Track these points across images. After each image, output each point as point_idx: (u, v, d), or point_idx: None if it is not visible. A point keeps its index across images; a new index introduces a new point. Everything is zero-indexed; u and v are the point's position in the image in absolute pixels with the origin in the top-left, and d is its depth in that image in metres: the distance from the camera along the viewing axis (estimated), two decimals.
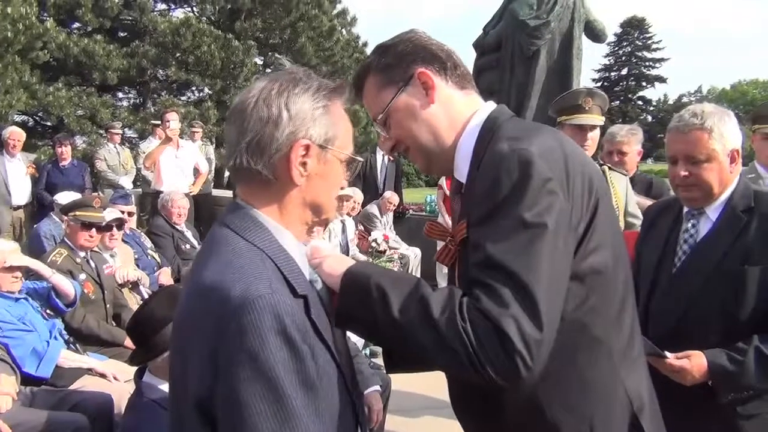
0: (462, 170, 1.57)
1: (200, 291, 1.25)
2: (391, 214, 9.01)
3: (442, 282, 5.36)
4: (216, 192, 9.93)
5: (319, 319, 1.28)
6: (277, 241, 1.32)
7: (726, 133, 2.26)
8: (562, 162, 1.40)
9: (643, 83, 72.56)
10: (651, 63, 72.45)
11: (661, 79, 72.43)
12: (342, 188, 1.48)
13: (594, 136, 3.67)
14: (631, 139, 4.48)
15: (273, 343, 1.15)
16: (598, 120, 3.67)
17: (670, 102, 74.30)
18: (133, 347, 4.34)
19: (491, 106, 1.62)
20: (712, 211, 2.33)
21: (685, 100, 73.31)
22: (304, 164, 1.33)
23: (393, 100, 1.57)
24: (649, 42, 72.66)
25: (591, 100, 3.64)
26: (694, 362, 2.18)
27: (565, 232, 1.36)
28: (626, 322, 1.53)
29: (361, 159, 1.47)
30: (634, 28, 71.88)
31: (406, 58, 1.58)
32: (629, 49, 72.64)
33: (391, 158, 9.79)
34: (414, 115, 1.57)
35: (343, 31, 20.82)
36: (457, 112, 1.59)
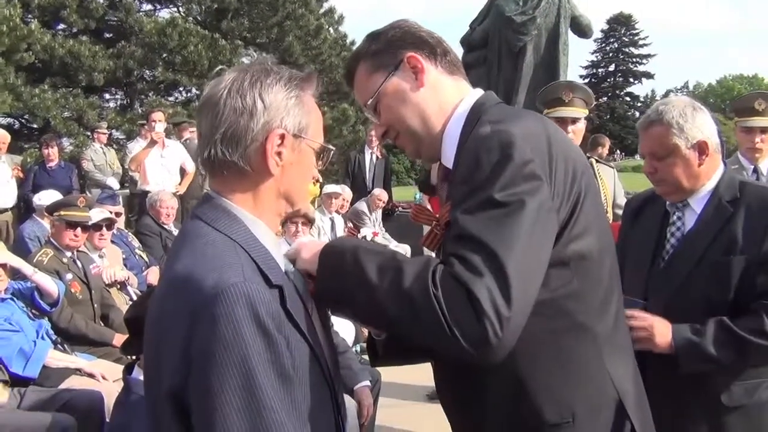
0: (449, 156, 1.57)
1: (174, 282, 1.24)
2: (380, 212, 9.03)
3: None
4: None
5: (295, 310, 1.27)
6: (250, 232, 1.32)
7: (688, 127, 2.25)
8: (545, 145, 1.40)
9: (631, 79, 73.01)
10: (638, 59, 72.92)
11: (648, 75, 72.92)
12: (314, 178, 1.48)
13: (576, 129, 3.68)
14: None
15: (246, 332, 1.14)
16: (580, 113, 3.68)
17: (658, 98, 74.47)
18: (118, 345, 4.37)
19: (479, 92, 1.63)
20: (696, 203, 2.33)
21: (672, 95, 73.70)
22: (279, 154, 1.33)
23: (383, 84, 1.58)
24: (636, 38, 73.12)
25: (571, 92, 3.65)
26: (658, 328, 2.18)
27: (544, 215, 1.35)
28: (612, 309, 1.53)
29: (333, 148, 1.46)
30: (621, 24, 72.31)
31: (396, 44, 1.59)
32: (616, 46, 73.08)
33: (380, 155, 9.82)
34: (403, 99, 1.58)
35: (330, 29, 20.76)
36: (446, 97, 1.60)
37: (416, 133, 1.60)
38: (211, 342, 1.13)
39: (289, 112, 1.33)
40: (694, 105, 2.30)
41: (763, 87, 66.17)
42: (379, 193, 8.94)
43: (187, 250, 1.27)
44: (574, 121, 3.67)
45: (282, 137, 1.32)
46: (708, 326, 2.15)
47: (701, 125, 2.27)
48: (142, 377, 2.46)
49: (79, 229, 4.58)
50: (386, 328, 1.44)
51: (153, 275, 5.78)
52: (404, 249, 8.69)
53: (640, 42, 72.85)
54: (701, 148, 2.26)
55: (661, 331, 2.18)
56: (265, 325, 1.16)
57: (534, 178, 1.35)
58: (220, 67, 1.38)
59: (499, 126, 1.40)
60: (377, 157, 9.79)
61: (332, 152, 1.46)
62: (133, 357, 2.64)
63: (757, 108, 3.93)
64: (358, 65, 1.64)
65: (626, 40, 72.85)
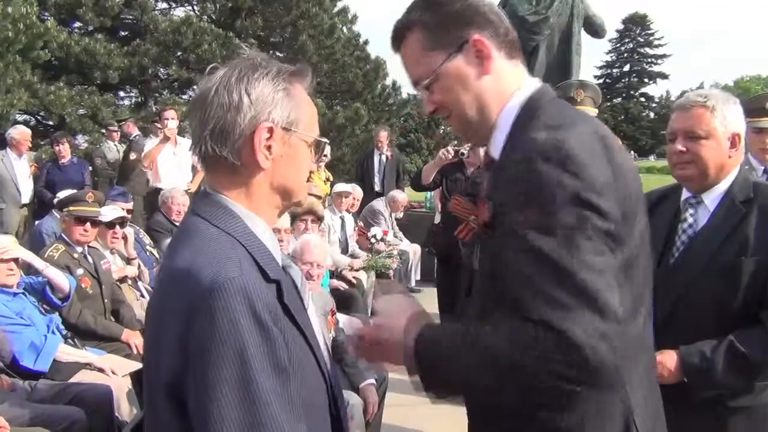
0: (497, 147, 1.49)
1: (172, 276, 1.26)
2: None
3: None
4: None
5: (292, 304, 1.28)
6: (247, 227, 1.33)
7: (729, 116, 2.26)
8: (605, 157, 1.34)
9: (645, 80, 72.46)
10: (653, 59, 72.38)
11: (663, 76, 72.37)
12: (311, 171, 1.47)
13: None
14: None
15: (243, 325, 1.15)
16: (591, 111, 3.67)
17: (673, 98, 73.98)
18: (127, 341, 4.41)
19: (535, 84, 1.53)
20: (711, 201, 2.32)
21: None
22: (269, 147, 1.33)
23: (443, 64, 1.46)
24: (651, 38, 72.60)
25: (583, 91, 3.65)
26: (665, 363, 2.18)
27: (606, 229, 1.29)
28: (641, 314, 1.46)
29: (326, 140, 1.45)
30: (636, 24, 71.84)
31: (459, 20, 1.46)
32: (631, 46, 72.58)
33: (390, 156, 9.84)
34: (465, 84, 1.47)
35: (344, 29, 20.76)
36: (504, 86, 1.50)
37: (470, 119, 1.51)
38: (208, 335, 1.15)
39: (276, 106, 1.34)
40: (733, 99, 2.33)
41: None
42: (402, 198, 8.99)
43: (185, 246, 1.28)
44: None
45: (270, 131, 1.33)
46: (718, 352, 2.15)
47: (739, 119, 2.29)
48: None
49: (88, 224, 4.60)
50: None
51: None
52: (413, 248, 8.73)
53: (655, 42, 72.37)
54: (734, 141, 2.27)
55: (669, 365, 2.19)
56: (262, 319, 1.18)
57: (597, 193, 1.29)
58: (212, 65, 1.38)
59: (557, 134, 1.32)
60: (387, 158, 9.82)
61: (326, 144, 1.46)
62: None
63: None
64: (410, 34, 1.51)
65: (641, 40, 72.35)
